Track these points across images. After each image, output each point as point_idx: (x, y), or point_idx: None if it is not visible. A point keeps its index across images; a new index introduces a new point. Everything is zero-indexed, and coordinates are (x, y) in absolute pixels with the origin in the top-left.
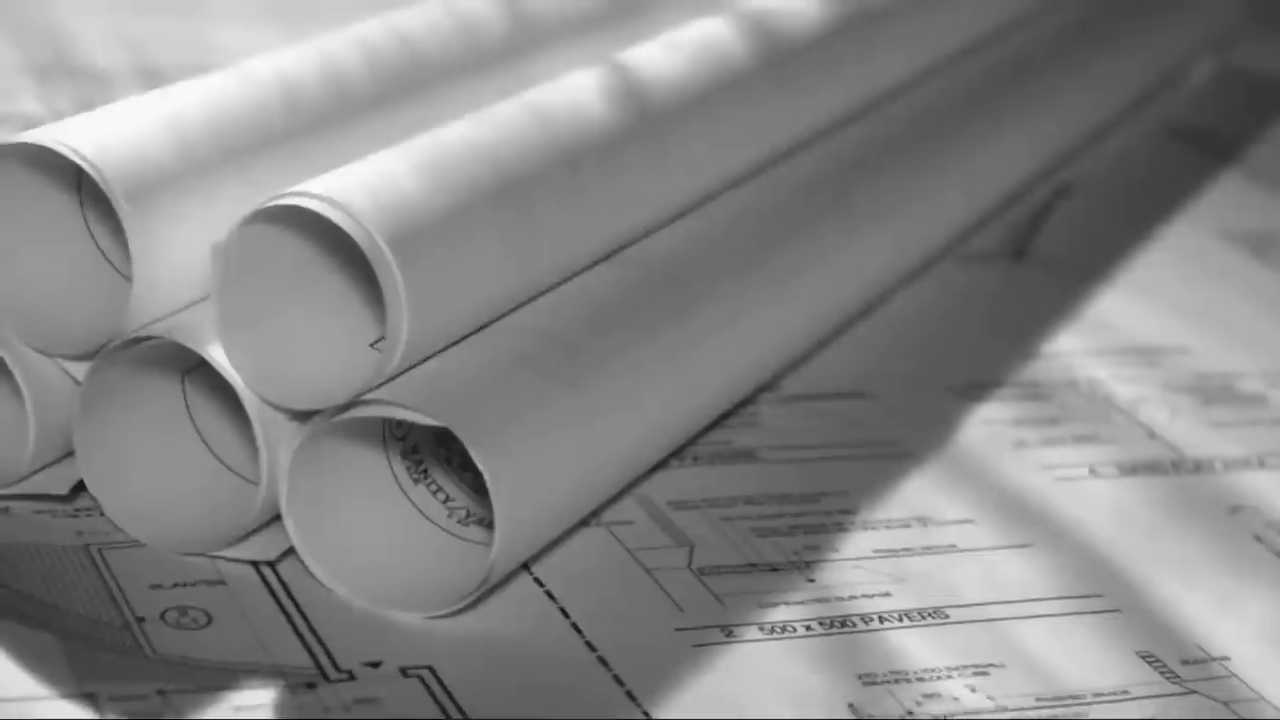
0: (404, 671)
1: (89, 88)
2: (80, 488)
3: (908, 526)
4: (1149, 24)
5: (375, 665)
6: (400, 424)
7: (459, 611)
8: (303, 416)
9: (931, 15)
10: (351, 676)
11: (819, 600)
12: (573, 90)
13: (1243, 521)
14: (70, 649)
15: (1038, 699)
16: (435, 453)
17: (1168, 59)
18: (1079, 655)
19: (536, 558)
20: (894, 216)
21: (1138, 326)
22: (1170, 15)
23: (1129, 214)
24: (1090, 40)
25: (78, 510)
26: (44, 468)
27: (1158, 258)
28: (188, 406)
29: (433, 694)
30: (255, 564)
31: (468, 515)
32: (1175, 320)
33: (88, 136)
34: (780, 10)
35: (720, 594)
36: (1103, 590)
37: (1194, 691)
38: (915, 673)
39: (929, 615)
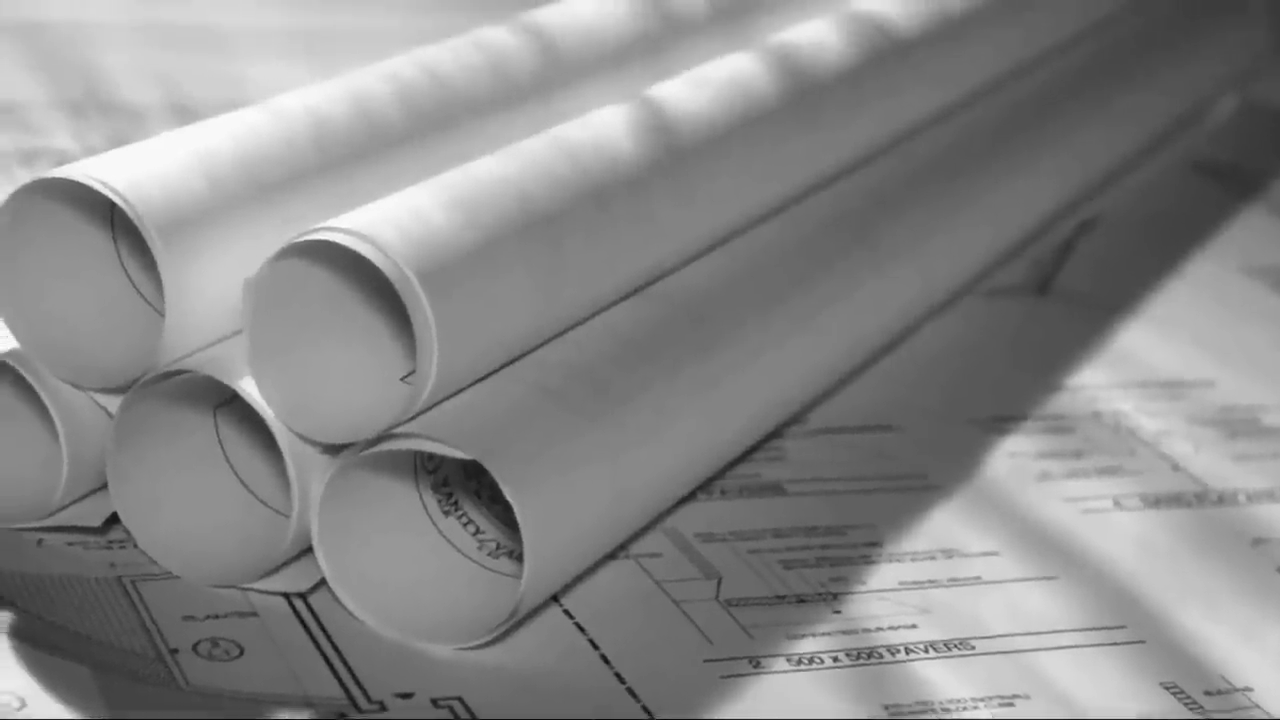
0: (435, 702)
1: (121, 123)
2: (113, 520)
3: (933, 558)
4: (1172, 60)
5: (406, 696)
6: (431, 457)
7: (489, 643)
8: (334, 449)
9: (956, 52)
10: (382, 707)
11: (846, 632)
12: (601, 126)
13: (1265, 553)
14: (104, 680)
15: None
16: (465, 485)
17: (1191, 94)
18: (1103, 686)
19: (565, 589)
20: (919, 251)
21: (1161, 360)
22: (1193, 51)
23: (1153, 248)
24: (1114, 76)
25: (111, 542)
26: (77, 500)
27: (1181, 292)
28: (220, 439)
29: None
30: (287, 595)
31: (498, 547)
32: (1199, 354)
33: (121, 172)
34: (806, 47)
35: (748, 625)
36: (1127, 621)
37: None
38: (941, 703)
39: (955, 646)
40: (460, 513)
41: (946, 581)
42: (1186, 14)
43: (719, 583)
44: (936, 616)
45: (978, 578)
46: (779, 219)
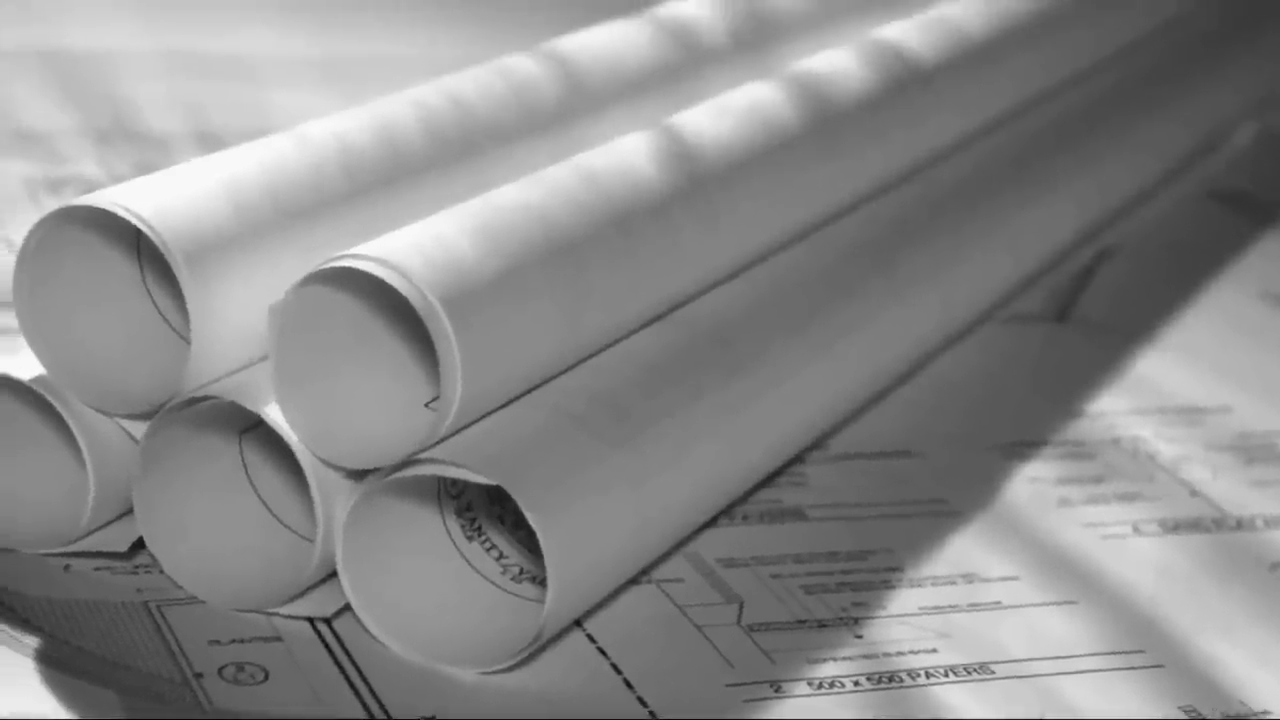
0: None
1: (148, 151)
2: (139, 545)
3: (954, 583)
4: (1191, 88)
5: None
6: (455, 482)
7: (512, 667)
8: (358, 475)
9: (976, 80)
10: None
11: (867, 656)
12: (624, 153)
13: None
14: (130, 705)
15: None
16: (489, 510)
17: (1209, 123)
18: (1122, 710)
19: (588, 614)
20: (939, 278)
21: (1180, 386)
22: (1212, 80)
23: (1171, 276)
24: (1132, 105)
25: (137, 567)
26: (103, 525)
27: (1199, 319)
28: (245, 465)
29: None
30: (311, 620)
31: (521, 572)
32: (1217, 380)
33: (147, 199)
34: (828, 74)
35: (769, 650)
36: (1146, 646)
37: None
38: None
39: (975, 671)
40: (484, 537)
41: (967, 606)
42: (1205, 43)
43: (741, 607)
44: (957, 641)
45: (998, 602)
46: (800, 246)
